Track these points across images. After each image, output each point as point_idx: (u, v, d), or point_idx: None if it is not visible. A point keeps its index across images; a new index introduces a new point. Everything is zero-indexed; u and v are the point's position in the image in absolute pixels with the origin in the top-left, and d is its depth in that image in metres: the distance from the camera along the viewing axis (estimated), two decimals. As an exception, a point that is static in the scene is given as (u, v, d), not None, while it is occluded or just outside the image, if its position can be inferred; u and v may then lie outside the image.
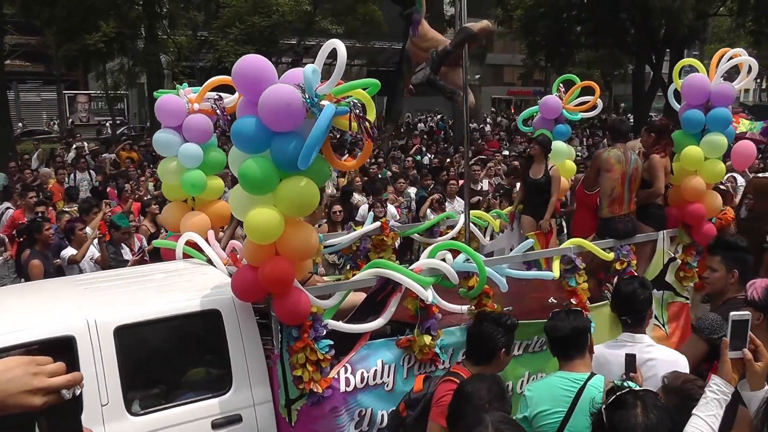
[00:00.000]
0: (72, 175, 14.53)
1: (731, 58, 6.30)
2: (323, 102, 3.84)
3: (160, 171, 6.00)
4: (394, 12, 28.51)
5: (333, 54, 4.05)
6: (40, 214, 9.14)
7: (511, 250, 7.34)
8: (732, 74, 6.67)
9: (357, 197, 11.11)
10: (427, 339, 4.61)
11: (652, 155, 6.32)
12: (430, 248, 4.99)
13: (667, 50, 28.30)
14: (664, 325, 6.29)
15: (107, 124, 33.31)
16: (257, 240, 4.09)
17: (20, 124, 32.40)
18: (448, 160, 17.10)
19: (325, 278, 6.14)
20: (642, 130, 6.80)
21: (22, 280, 7.41)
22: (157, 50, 27.28)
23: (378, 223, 6.56)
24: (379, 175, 13.65)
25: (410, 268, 4.76)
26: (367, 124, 3.99)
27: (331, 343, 4.35)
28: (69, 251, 7.49)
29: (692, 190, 6.30)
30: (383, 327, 4.68)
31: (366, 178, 12.69)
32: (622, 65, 35.81)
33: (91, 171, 15.52)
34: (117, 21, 25.34)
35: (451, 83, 6.15)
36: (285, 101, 3.85)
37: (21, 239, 8.19)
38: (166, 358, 4.46)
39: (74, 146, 21.64)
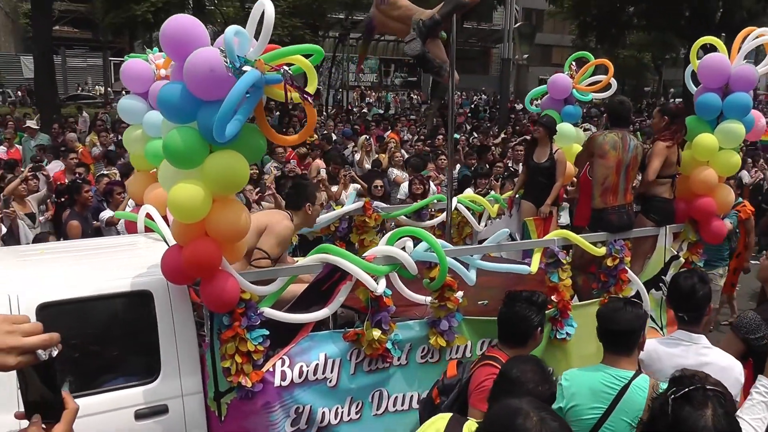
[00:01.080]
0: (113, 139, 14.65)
1: (758, 37, 5.66)
2: (246, 68, 3.44)
3: (125, 139, 5.72)
4: (443, -12, 27.94)
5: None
6: (79, 176, 9.30)
7: (510, 237, 6.93)
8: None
9: (397, 173, 10.81)
10: (376, 333, 4.21)
11: (657, 141, 5.75)
12: (389, 234, 4.58)
13: (723, 35, 26.94)
14: (662, 329, 5.76)
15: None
16: (179, 218, 3.76)
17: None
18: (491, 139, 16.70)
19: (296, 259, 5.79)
20: (655, 111, 6.20)
21: (61, 239, 7.40)
22: (204, 20, 26.96)
23: (360, 203, 6.18)
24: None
25: (364, 255, 4.37)
26: (302, 93, 3.58)
27: (266, 333, 3.99)
28: (107, 213, 7.66)
29: (702, 183, 5.70)
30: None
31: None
32: (674, 49, 34.44)
33: None
34: (166, -9, 25.34)
35: (433, 55, 5.70)
36: (208, 66, 3.47)
37: (61, 200, 8.32)
38: (92, 340, 4.13)
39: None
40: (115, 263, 4.62)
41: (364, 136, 13.85)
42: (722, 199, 5.82)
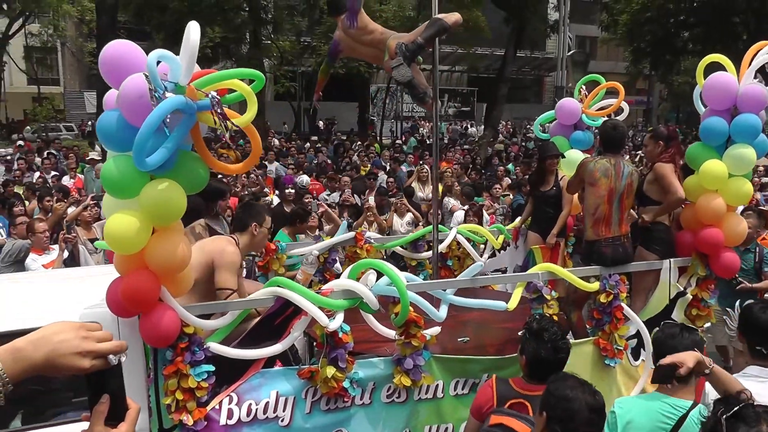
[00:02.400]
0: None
1: (769, 53, 5.26)
2: (167, 94, 3.32)
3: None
4: (496, 18, 27.81)
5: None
6: None
7: (514, 270, 6.63)
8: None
9: (453, 202, 10.73)
10: (331, 371, 3.99)
11: (658, 164, 5.37)
12: (350, 267, 4.37)
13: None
14: (672, 370, 5.32)
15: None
16: (115, 249, 3.65)
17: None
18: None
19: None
20: (646, 137, 5.80)
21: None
22: (260, 54, 27.75)
23: (351, 234, 5.99)
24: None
25: (322, 289, 4.17)
26: (228, 122, 3.43)
27: (211, 369, 3.83)
28: None
29: (709, 212, 5.27)
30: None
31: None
32: (730, 74, 33.23)
33: None
34: (223, 27, 26.03)
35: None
36: (137, 93, 3.39)
37: None
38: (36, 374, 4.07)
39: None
40: (80, 292, 4.55)
41: (419, 165, 13.76)
42: (731, 229, 5.36)
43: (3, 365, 1.43)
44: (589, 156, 5.43)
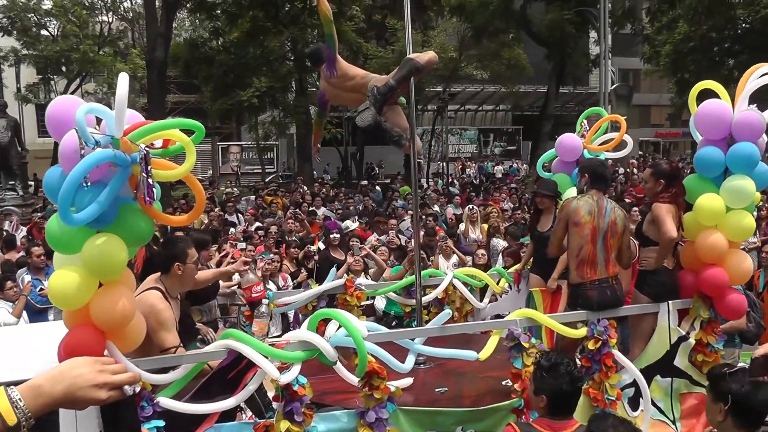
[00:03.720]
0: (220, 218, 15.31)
1: (762, 76, 4.98)
2: (93, 148, 3.29)
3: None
4: (538, 56, 27.70)
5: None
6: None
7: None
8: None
9: (501, 243, 10.66)
10: (284, 425, 3.83)
11: (655, 204, 5.08)
12: (309, 318, 4.22)
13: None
14: (674, 422, 4.96)
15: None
16: (58, 305, 3.64)
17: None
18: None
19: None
20: (646, 173, 5.50)
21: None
22: (306, 102, 28.17)
23: (341, 280, 5.85)
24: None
25: (276, 341, 4.04)
26: (149, 182, 3.36)
27: (161, 424, 3.71)
28: None
29: (709, 250, 4.93)
30: None
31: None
32: (779, 103, 32.15)
33: (239, 214, 16.43)
34: (269, 77, 26.62)
35: (394, 125, 5.40)
36: (73, 148, 3.38)
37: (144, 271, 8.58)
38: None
39: (225, 191, 22.95)
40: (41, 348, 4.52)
41: (469, 206, 13.63)
42: (735, 268, 5.00)
43: (25, 401, 1.52)
44: (571, 197, 5.16)
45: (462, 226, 12.62)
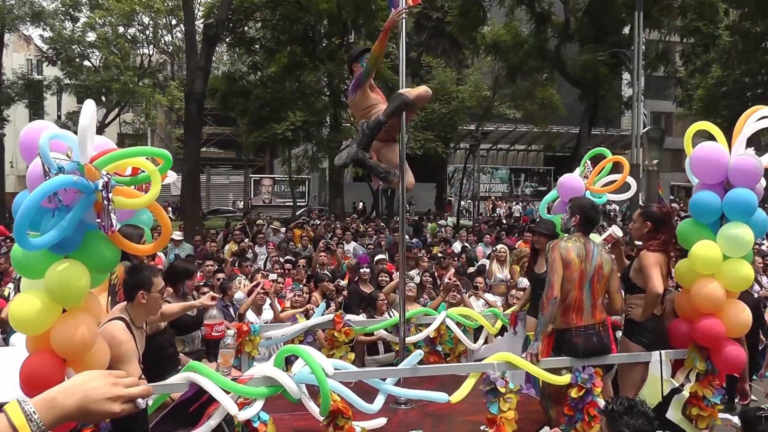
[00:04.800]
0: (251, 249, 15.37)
1: (761, 119, 4.83)
2: (56, 173, 3.29)
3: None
4: (572, 96, 27.57)
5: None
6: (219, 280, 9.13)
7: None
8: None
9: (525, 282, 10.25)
10: (244, 465, 3.74)
11: (644, 251, 4.90)
12: (277, 352, 4.15)
13: None
14: (665, 477, 4.73)
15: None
16: (19, 330, 3.63)
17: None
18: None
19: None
20: (635, 214, 5.33)
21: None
22: (340, 137, 28.35)
23: (330, 316, 5.77)
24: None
25: (240, 376, 3.96)
26: (110, 210, 3.34)
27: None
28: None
29: (705, 299, 4.72)
30: None
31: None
32: (815, 149, 31.38)
33: (268, 246, 16.52)
34: (305, 111, 26.91)
35: (386, 161, 5.35)
36: (39, 173, 3.39)
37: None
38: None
39: (256, 222, 23.13)
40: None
41: (499, 246, 13.43)
42: (733, 319, 4.79)
43: (39, 414, 1.52)
44: (559, 238, 4.98)
45: (489, 265, 12.37)
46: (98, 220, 3.43)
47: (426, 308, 6.55)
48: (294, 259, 12.35)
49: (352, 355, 5.87)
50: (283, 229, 22.13)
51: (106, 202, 3.35)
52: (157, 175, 3.61)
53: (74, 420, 1.60)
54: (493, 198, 37.45)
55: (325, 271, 11.01)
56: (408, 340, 5.84)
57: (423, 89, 5.35)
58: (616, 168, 6.60)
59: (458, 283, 7.76)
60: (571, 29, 25.19)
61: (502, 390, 4.25)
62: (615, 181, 6.40)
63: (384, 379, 4.17)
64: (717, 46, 24.09)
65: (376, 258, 12.16)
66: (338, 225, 22.12)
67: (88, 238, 3.60)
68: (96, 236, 3.63)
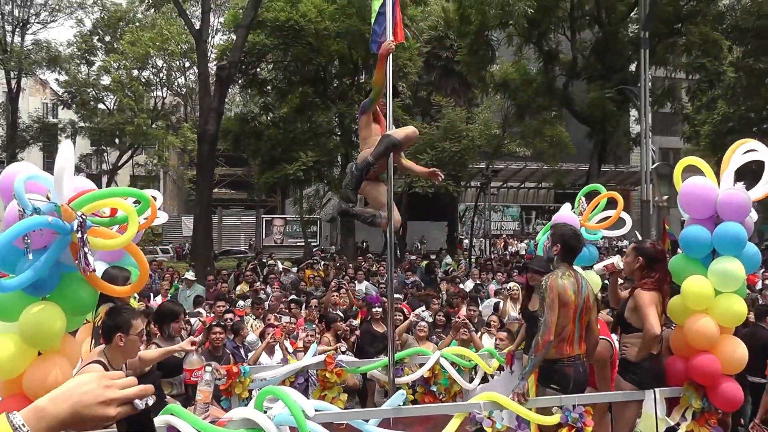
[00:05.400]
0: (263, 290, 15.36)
1: (747, 152, 4.80)
2: (32, 214, 3.31)
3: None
4: (580, 134, 27.61)
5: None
6: (229, 321, 9.17)
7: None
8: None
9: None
10: None
11: (638, 290, 4.84)
12: (258, 394, 4.10)
13: None
14: None
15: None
16: (-9, 372, 3.59)
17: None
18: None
19: None
20: (629, 248, 5.29)
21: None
22: (353, 178, 28.32)
23: (321, 357, 5.72)
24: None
25: (221, 418, 3.91)
26: (86, 251, 3.35)
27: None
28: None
29: (699, 336, 4.65)
30: None
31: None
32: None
33: (273, 285, 16.48)
34: (316, 151, 27.08)
35: (371, 199, 5.34)
36: (15, 215, 3.42)
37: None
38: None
39: (267, 263, 23.13)
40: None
41: (511, 284, 13.31)
42: (728, 355, 4.70)
43: (28, 425, 1.45)
44: (546, 276, 4.90)
45: (502, 304, 12.23)
46: (75, 261, 3.43)
47: (420, 348, 6.48)
48: (297, 298, 12.32)
49: (345, 396, 5.80)
50: (294, 269, 22.16)
51: (81, 242, 3.36)
52: (135, 216, 3.62)
53: (69, 428, 1.52)
54: (504, 236, 37.35)
55: (338, 311, 10.97)
56: (402, 380, 5.78)
57: (411, 130, 5.37)
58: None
59: (467, 321, 7.70)
60: (578, 67, 25.36)
61: (489, 430, 4.18)
62: (609, 217, 6.35)
63: (367, 420, 4.11)
64: (722, 82, 24.15)
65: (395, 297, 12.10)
66: (350, 265, 22.11)
67: (65, 280, 3.61)
68: (73, 278, 3.63)
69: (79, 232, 3.35)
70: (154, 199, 5.52)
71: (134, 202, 4.05)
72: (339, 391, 5.69)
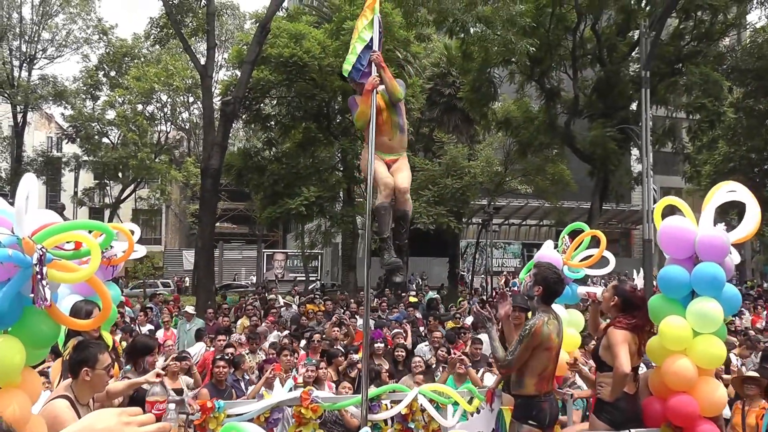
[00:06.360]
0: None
1: (729, 192, 4.79)
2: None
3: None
4: (582, 172, 27.63)
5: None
6: (230, 356, 9.38)
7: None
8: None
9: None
10: None
11: (611, 329, 4.79)
12: (222, 429, 4.01)
13: None
14: None
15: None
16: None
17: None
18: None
19: None
20: (609, 285, 5.26)
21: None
22: (353, 211, 28.47)
23: (297, 392, 5.64)
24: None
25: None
26: (43, 284, 3.32)
27: None
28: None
29: (676, 377, 4.58)
30: None
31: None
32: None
33: (267, 319, 16.38)
34: (318, 186, 27.15)
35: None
36: (-20, 248, 3.40)
37: None
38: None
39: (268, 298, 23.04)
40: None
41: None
42: (706, 396, 4.62)
43: None
44: (534, 318, 4.87)
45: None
46: (31, 294, 3.40)
47: (396, 385, 6.41)
48: (295, 333, 12.25)
49: (321, 431, 5.71)
50: (295, 305, 22.06)
51: (39, 276, 3.33)
52: (97, 249, 3.59)
53: None
54: (506, 273, 37.19)
55: (338, 347, 10.90)
56: (378, 417, 5.70)
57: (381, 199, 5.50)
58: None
59: (463, 357, 7.62)
60: (580, 105, 25.49)
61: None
62: (592, 255, 6.31)
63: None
64: (722, 122, 24.24)
65: (393, 332, 12.03)
66: (352, 300, 21.97)
67: (27, 313, 3.57)
68: (35, 311, 3.59)
69: (38, 266, 3.32)
70: (132, 233, 5.57)
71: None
72: (315, 427, 5.59)
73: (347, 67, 5.54)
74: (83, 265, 3.70)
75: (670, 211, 5.17)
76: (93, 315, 4.35)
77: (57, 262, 3.51)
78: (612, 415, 4.68)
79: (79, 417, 4.00)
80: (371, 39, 5.64)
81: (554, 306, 6.03)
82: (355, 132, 26.95)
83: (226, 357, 8.39)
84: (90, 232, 3.80)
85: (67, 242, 3.73)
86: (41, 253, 3.34)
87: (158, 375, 4.75)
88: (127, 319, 16.75)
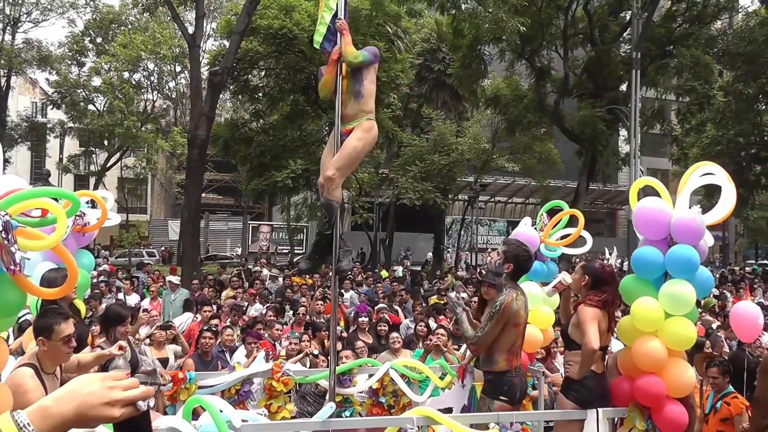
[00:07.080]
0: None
1: (704, 175, 4.78)
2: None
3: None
4: (570, 151, 27.65)
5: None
6: (214, 327, 9.22)
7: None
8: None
9: None
10: None
11: (581, 306, 4.80)
12: (186, 403, 4.02)
13: None
14: None
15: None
16: None
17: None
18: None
19: None
20: (578, 266, 5.27)
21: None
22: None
23: (269, 365, 5.63)
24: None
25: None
26: (12, 251, 3.25)
27: None
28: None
29: (646, 357, 4.61)
30: None
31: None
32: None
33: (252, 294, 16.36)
34: (305, 159, 26.99)
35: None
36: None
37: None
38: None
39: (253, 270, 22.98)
40: None
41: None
42: (675, 378, 4.64)
43: (33, 425, 1.46)
44: (503, 295, 4.90)
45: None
46: (3, 261, 3.33)
47: (367, 359, 6.43)
48: (277, 306, 12.24)
49: (291, 406, 5.72)
50: (281, 278, 22.01)
51: (7, 242, 3.27)
52: (64, 217, 3.52)
53: (72, 427, 1.52)
54: (490, 250, 37.34)
55: (322, 320, 10.91)
56: (349, 391, 5.72)
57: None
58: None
59: (439, 344, 7.61)
60: (569, 85, 25.38)
61: (424, 447, 4.10)
62: (570, 234, 6.31)
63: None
64: (712, 106, 24.25)
65: (377, 307, 12.05)
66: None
67: (-10, 281, 3.51)
68: (0, 279, 3.54)
69: (4, 232, 3.26)
70: (106, 200, 5.51)
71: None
72: (285, 400, 5.60)
73: (318, 38, 5.41)
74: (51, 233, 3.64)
75: (654, 192, 5.17)
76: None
77: (22, 230, 3.44)
78: (579, 394, 4.70)
79: (44, 385, 3.98)
80: (337, 6, 5.52)
81: (529, 285, 6.09)
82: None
83: (213, 329, 8.38)
84: (57, 200, 3.73)
85: (34, 209, 3.68)
86: (6, 220, 3.28)
87: (121, 347, 4.71)
88: (113, 289, 16.76)
